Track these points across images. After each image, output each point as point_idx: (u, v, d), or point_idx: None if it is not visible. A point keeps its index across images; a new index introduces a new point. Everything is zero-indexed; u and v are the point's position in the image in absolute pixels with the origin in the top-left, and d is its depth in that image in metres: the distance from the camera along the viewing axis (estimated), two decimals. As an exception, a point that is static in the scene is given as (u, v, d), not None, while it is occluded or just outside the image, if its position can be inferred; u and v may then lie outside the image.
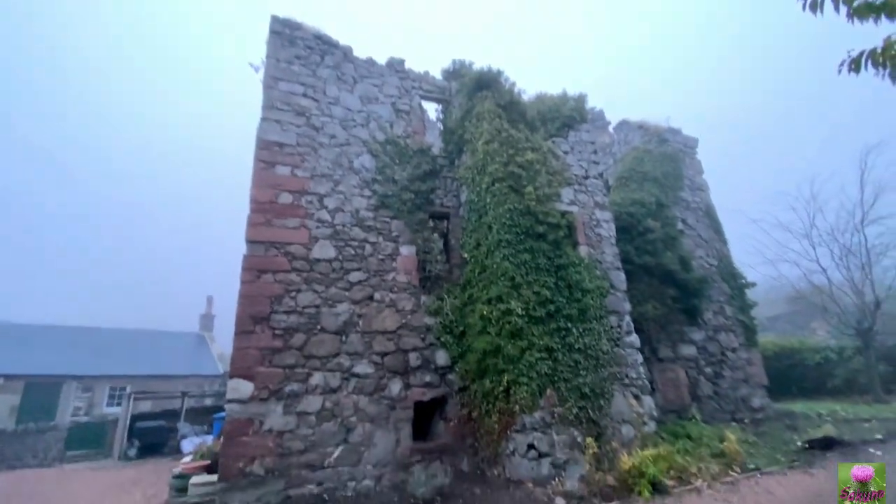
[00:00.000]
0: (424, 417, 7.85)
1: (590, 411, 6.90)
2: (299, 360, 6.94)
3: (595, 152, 9.42)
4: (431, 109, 10.66)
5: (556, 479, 6.10)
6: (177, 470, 7.17)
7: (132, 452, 12.73)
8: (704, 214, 12.92)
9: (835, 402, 12.22)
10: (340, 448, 6.75)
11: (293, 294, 7.23)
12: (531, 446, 6.39)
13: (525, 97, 9.51)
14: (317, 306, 7.31)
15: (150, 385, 16.32)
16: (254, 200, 7.55)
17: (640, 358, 7.88)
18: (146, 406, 15.00)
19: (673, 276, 10.65)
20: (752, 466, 6.53)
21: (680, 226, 12.14)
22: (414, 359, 7.71)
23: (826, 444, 7.33)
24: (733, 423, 10.25)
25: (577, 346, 7.17)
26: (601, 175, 9.30)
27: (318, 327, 7.22)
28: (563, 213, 8.13)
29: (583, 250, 8.20)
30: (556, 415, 6.68)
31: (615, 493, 5.46)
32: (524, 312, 6.91)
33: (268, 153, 7.93)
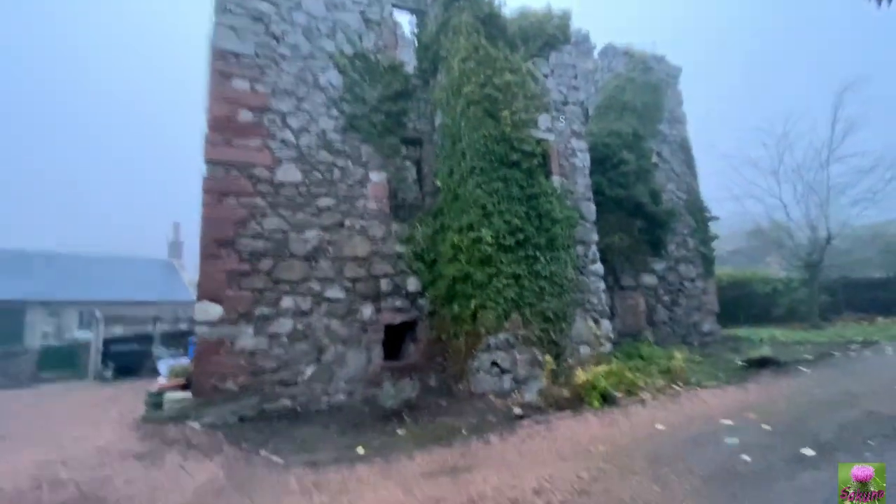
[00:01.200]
0: (396, 339, 8.16)
1: (551, 333, 7.29)
2: (268, 285, 6.92)
3: (576, 77, 9.03)
4: (406, 22, 9.81)
5: (516, 393, 6.59)
6: (154, 388, 7.34)
7: (108, 374, 12.95)
8: (679, 148, 12.92)
9: (776, 329, 13.33)
10: (313, 367, 7.01)
11: (258, 219, 7.03)
12: (494, 364, 6.80)
13: (506, 11, 8.81)
14: (284, 231, 7.16)
15: (120, 311, 16.20)
16: (211, 117, 7.03)
17: (602, 285, 8.23)
18: (119, 331, 15.01)
19: (642, 209, 10.86)
20: (694, 381, 7.19)
21: (655, 158, 12.16)
22: (385, 285, 7.82)
23: (762, 364, 8.07)
24: (683, 346, 11.14)
25: (543, 274, 7.38)
26: (581, 103, 9.00)
27: (287, 252, 7.13)
28: (539, 141, 7.93)
29: (556, 180, 8.15)
30: (519, 336, 7.04)
31: (569, 403, 5.94)
32: (494, 241, 6.97)
33: (223, 64, 7.24)
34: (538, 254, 7.39)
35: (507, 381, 6.78)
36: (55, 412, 8.64)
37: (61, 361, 14.89)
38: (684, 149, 13.02)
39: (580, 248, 8.16)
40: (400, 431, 5.27)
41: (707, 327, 12.02)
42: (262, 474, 4.26)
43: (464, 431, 5.09)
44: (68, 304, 17.30)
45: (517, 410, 5.65)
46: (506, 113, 7.45)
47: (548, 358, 6.75)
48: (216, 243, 6.70)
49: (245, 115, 7.23)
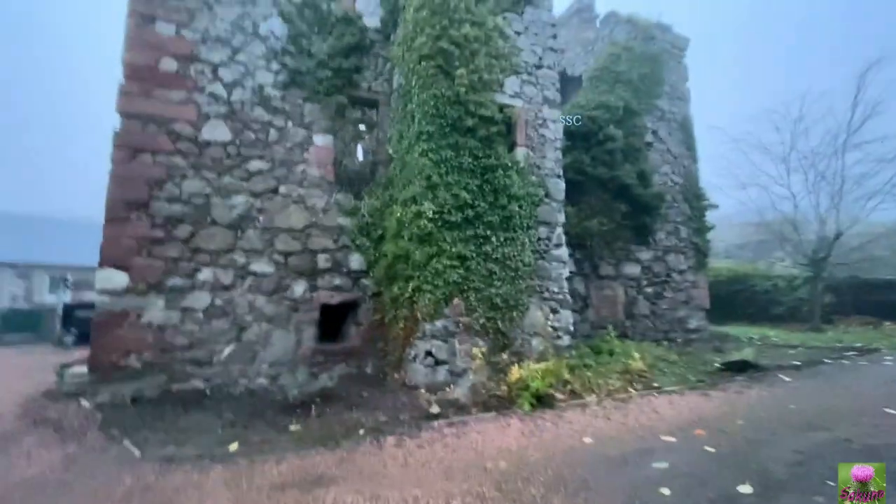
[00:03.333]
0: (338, 320, 7.49)
1: (499, 322, 6.53)
2: (184, 254, 6.26)
3: (555, 37, 7.99)
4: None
5: (450, 387, 5.88)
6: (70, 360, 6.84)
7: (69, 340, 12.65)
8: (679, 127, 11.77)
9: (772, 328, 12.38)
10: (232, 346, 6.38)
11: (177, 180, 6.32)
12: (429, 353, 6.09)
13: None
14: (206, 195, 6.45)
15: (92, 276, 15.86)
16: (127, 64, 6.27)
17: (565, 272, 7.39)
18: (90, 297, 14.66)
19: (628, 191, 9.90)
20: (656, 384, 6.40)
21: (649, 137, 11.08)
22: (323, 260, 7.10)
23: (741, 367, 7.23)
24: (665, 342, 10.30)
25: (494, 256, 6.58)
26: (556, 65, 7.99)
27: (209, 219, 6.44)
28: (503, 107, 7.03)
29: (520, 152, 7.26)
30: (461, 324, 6.30)
31: (500, 404, 5.23)
32: (436, 216, 6.18)
33: (144, 4, 6.43)
34: (490, 233, 6.58)
35: (441, 374, 6.08)
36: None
37: (24, 325, 14.65)
38: (685, 129, 11.86)
39: (543, 230, 7.30)
40: (294, 427, 4.61)
41: (694, 323, 11.10)
42: (105, 469, 3.66)
43: (361, 431, 4.41)
44: (39, 267, 16.99)
45: (434, 409, 4.96)
46: (461, 71, 6.53)
47: (478, 350, 6.02)
48: (125, 205, 6.02)
49: (168, 64, 6.45)
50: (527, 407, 4.99)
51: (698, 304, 11.27)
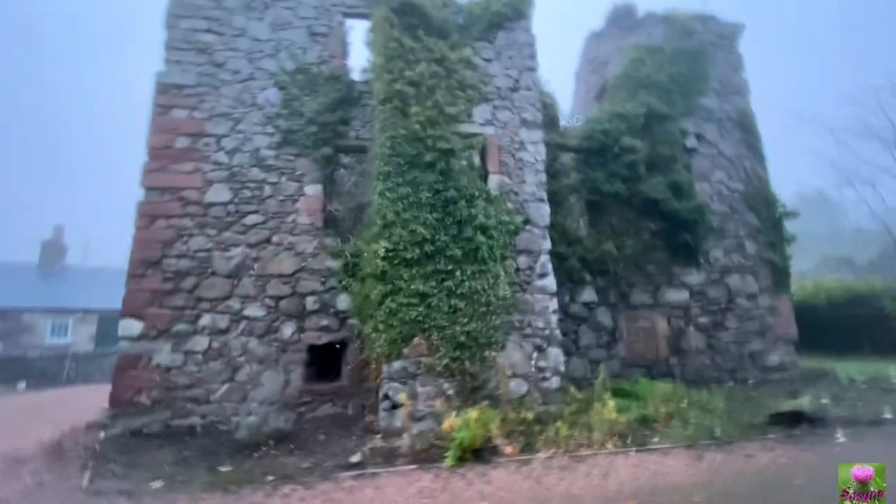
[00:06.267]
0: (332, 360, 7.72)
1: (466, 362, 6.09)
2: (189, 302, 7.12)
3: (533, 56, 7.59)
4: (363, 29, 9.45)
5: (404, 433, 5.59)
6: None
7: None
8: (735, 125, 10.09)
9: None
10: (226, 386, 6.97)
11: (185, 239, 7.30)
12: (386, 396, 5.91)
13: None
14: (208, 250, 7.33)
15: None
16: (150, 147, 7.58)
17: (552, 305, 6.65)
18: None
19: (658, 206, 8.64)
20: (656, 440, 5.28)
21: (692, 142, 9.66)
22: (311, 302, 7.46)
23: (793, 420, 5.61)
24: (731, 384, 8.53)
25: (459, 291, 6.24)
26: (536, 84, 7.53)
27: (210, 271, 7.28)
28: (468, 136, 6.84)
29: (493, 180, 6.92)
30: (422, 364, 6.03)
31: (438, 454, 4.80)
32: (390, 254, 6.14)
33: (165, 97, 7.78)
34: (453, 267, 6.29)
35: (398, 418, 5.81)
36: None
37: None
38: (743, 126, 10.10)
39: (524, 260, 6.73)
40: (224, 468, 4.82)
41: (775, 359, 8.97)
42: (52, 496, 4.25)
43: (271, 478, 4.42)
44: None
45: (355, 458, 4.76)
46: (416, 109, 6.57)
47: (443, 393, 5.62)
48: (143, 263, 7.13)
49: (181, 142, 7.64)
50: (449, 461, 4.51)
51: (780, 335, 9.13)
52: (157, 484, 4.42)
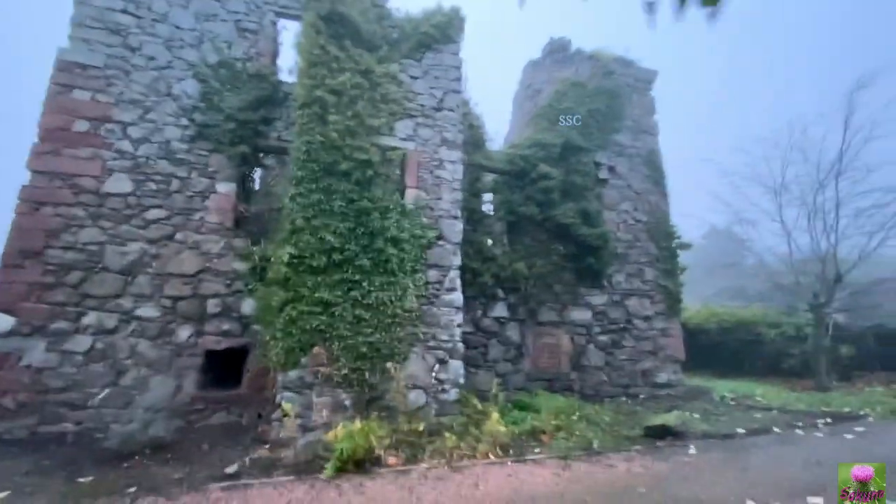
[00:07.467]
0: (233, 367, 7.43)
1: (367, 373, 6.14)
2: (72, 298, 6.58)
3: (458, 79, 7.92)
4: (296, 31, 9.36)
5: (294, 444, 5.51)
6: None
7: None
8: (643, 162, 11.05)
9: (769, 385, 10.62)
10: (108, 390, 6.48)
11: (74, 230, 6.77)
12: (280, 406, 5.80)
13: (388, 9, 8.00)
14: (101, 243, 6.83)
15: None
16: (42, 127, 6.98)
17: (458, 318, 6.89)
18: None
19: (568, 230, 9.25)
20: (538, 451, 5.61)
21: (605, 173, 10.45)
22: (213, 305, 7.17)
23: (660, 433, 6.20)
24: (624, 398, 9.22)
25: (365, 301, 6.30)
26: (460, 107, 7.85)
27: (100, 266, 6.78)
28: (388, 149, 6.98)
29: (410, 194, 7.09)
30: (320, 374, 5.99)
31: (318, 466, 4.79)
32: (295, 260, 6.09)
33: (66, 76, 7.22)
34: (360, 277, 6.34)
35: (290, 428, 5.73)
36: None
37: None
38: (650, 163, 11.10)
39: (434, 274, 6.93)
40: (83, 479, 4.49)
41: (664, 377, 9.84)
42: None
43: (133, 489, 4.19)
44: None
45: (231, 469, 4.63)
46: (336, 117, 6.62)
47: (337, 404, 5.62)
48: (20, 253, 6.51)
49: (80, 126, 7.10)
50: (329, 472, 4.52)
51: (669, 355, 10.03)
52: (2, 495, 4.03)
